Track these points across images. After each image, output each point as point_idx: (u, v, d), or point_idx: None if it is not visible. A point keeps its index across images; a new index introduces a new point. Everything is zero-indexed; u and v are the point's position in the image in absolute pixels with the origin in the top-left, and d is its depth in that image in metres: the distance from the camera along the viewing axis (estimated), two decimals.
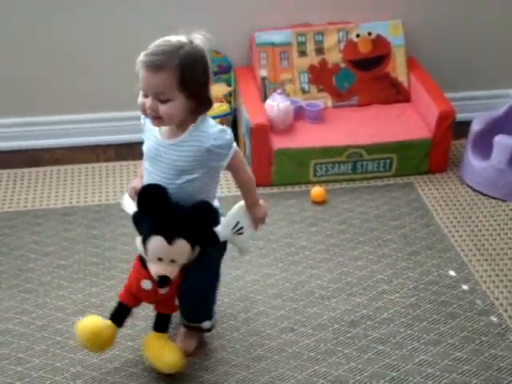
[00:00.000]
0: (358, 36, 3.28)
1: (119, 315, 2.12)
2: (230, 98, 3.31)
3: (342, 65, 3.29)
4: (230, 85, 3.34)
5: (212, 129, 1.91)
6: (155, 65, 1.82)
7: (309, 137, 3.09)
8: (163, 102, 1.84)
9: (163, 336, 2.14)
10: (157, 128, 1.95)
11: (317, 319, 2.37)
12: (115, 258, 2.65)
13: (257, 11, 3.24)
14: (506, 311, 2.40)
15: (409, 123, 3.18)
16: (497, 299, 2.45)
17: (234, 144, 1.95)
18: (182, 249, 1.93)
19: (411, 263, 2.62)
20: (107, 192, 3.05)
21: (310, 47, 3.26)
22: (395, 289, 2.50)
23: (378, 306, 2.43)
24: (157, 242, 1.92)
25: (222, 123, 3.16)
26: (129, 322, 2.17)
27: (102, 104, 3.35)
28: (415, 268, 2.60)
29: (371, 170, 3.10)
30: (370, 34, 3.28)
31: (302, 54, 3.27)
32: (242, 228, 2.02)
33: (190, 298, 2.11)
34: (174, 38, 1.88)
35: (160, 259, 1.94)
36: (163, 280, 1.95)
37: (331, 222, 2.85)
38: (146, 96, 1.86)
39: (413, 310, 2.41)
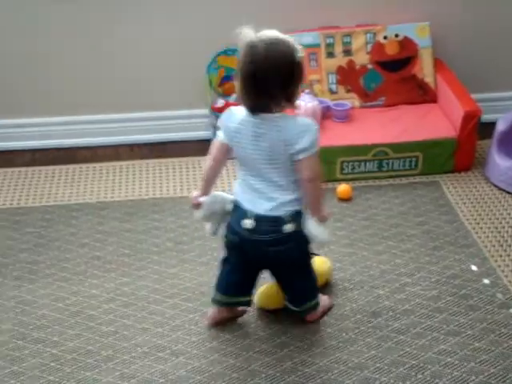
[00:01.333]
0: (385, 38, 3.35)
1: None
2: None
3: (370, 66, 3.36)
4: None
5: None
6: None
7: (336, 136, 3.16)
8: None
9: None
10: None
11: (339, 309, 2.44)
12: (146, 250, 2.75)
13: (286, 13, 3.33)
14: None
15: (435, 123, 3.24)
16: None
17: None
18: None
19: (434, 258, 2.68)
20: (140, 188, 3.16)
21: (338, 49, 3.34)
22: (417, 282, 2.56)
23: (399, 297, 2.49)
24: None
25: None
26: None
27: (128, 104, 3.49)
28: (438, 262, 2.66)
29: (397, 169, 3.16)
30: (397, 35, 3.35)
31: (330, 55, 3.35)
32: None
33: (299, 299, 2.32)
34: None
35: None
36: None
37: (356, 217, 2.92)
38: None
39: (434, 302, 2.47)
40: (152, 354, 2.27)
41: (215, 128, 3.37)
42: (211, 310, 2.39)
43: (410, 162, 3.16)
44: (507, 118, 3.17)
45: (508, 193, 3.06)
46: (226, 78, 3.46)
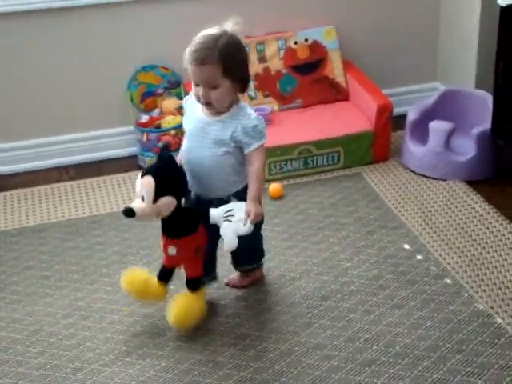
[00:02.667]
0: (295, 43, 3.54)
1: (164, 274, 2.44)
2: (182, 110, 3.51)
3: (284, 71, 3.54)
4: (180, 98, 3.54)
5: (253, 114, 2.28)
6: (199, 60, 2.17)
7: None
8: (213, 88, 2.19)
9: (190, 295, 2.41)
10: (200, 109, 2.30)
11: (290, 298, 2.58)
12: (94, 264, 2.80)
13: (201, 27, 3.44)
14: (457, 273, 2.65)
15: (351, 119, 3.44)
16: (448, 264, 2.71)
17: (265, 140, 2.29)
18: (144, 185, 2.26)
19: (369, 242, 2.86)
20: (76, 208, 3.20)
21: (253, 57, 3.50)
22: (358, 264, 2.73)
23: (343, 280, 2.65)
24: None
25: (176, 134, 3.39)
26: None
27: (60, 127, 3.52)
28: (373, 245, 2.84)
29: (321, 164, 3.34)
30: (306, 40, 3.55)
31: None
32: (231, 216, 2.22)
33: (240, 250, 2.33)
34: (211, 31, 2.24)
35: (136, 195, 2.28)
36: (127, 211, 2.24)
37: (291, 213, 3.07)
38: (197, 85, 2.22)
39: (376, 281, 2.64)
40: (119, 360, 2.33)
41: (140, 143, 3.46)
42: None
43: (333, 157, 3.34)
44: (417, 109, 3.41)
45: (425, 176, 3.29)
46: (147, 94, 3.56)
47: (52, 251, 2.90)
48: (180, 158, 2.39)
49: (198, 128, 2.32)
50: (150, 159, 3.43)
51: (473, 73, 3.53)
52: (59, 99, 3.48)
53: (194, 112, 2.34)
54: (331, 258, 2.77)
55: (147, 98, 3.56)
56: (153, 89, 3.56)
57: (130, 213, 2.22)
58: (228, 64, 2.18)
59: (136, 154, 3.53)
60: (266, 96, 3.53)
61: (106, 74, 3.48)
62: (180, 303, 2.37)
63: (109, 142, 3.58)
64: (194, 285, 2.40)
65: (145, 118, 3.47)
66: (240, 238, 2.24)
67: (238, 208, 2.24)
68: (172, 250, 2.35)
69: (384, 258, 2.76)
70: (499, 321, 2.41)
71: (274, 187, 3.20)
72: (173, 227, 2.32)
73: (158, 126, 3.44)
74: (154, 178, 2.22)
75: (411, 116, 3.39)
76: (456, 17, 3.63)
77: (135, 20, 3.44)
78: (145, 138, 3.42)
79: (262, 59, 3.52)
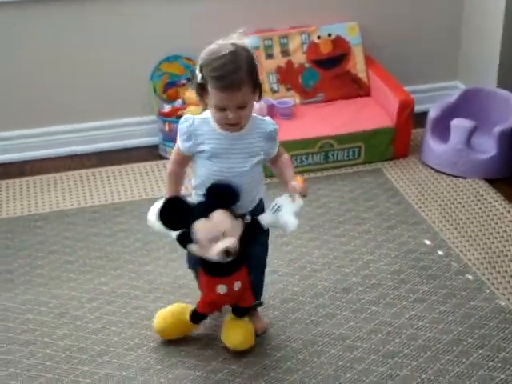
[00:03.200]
0: (319, 38, 3.56)
1: (197, 319, 2.33)
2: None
3: (307, 65, 3.56)
4: None
5: (265, 118, 2.21)
6: (232, 87, 1.99)
7: (282, 132, 3.25)
8: (243, 108, 2.05)
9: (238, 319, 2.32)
10: (214, 127, 2.11)
11: (313, 289, 2.60)
12: (117, 251, 2.83)
13: (225, 19, 3.47)
14: (478, 269, 2.68)
15: (372, 114, 3.46)
16: (469, 260, 2.73)
17: None
18: (223, 220, 2.06)
19: (390, 236, 2.88)
20: (98, 195, 3.22)
21: (276, 50, 3.52)
22: (379, 258, 2.75)
23: (365, 273, 2.67)
24: (199, 223, 2.07)
25: None
26: None
27: (83, 115, 3.55)
28: (394, 240, 2.86)
29: (342, 159, 3.36)
30: (329, 35, 3.57)
31: (270, 56, 3.53)
32: (280, 206, 2.17)
33: (255, 274, 2.29)
34: (225, 49, 2.02)
35: (211, 240, 2.05)
36: (226, 253, 2.03)
37: (312, 206, 3.10)
38: (223, 110, 2.04)
39: (397, 275, 2.66)
40: (144, 345, 2.36)
41: (162, 133, 3.48)
42: None
43: (354, 152, 3.37)
44: (438, 107, 3.43)
45: (444, 174, 3.31)
46: (170, 84, 3.58)
47: (75, 237, 2.92)
48: (192, 187, 2.24)
49: (223, 147, 2.12)
50: (170, 149, 3.45)
51: (495, 72, 3.55)
52: (84, 88, 3.51)
53: (207, 132, 2.13)
54: (352, 251, 2.80)
55: (170, 88, 3.58)
56: (176, 79, 3.58)
57: (229, 255, 2.05)
58: (254, 80, 2.06)
59: (157, 144, 3.55)
60: (288, 89, 3.55)
61: (130, 64, 3.50)
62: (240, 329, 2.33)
63: (131, 131, 3.61)
64: (246, 312, 2.34)
65: (167, 108, 3.49)
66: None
67: (278, 200, 2.18)
68: (223, 288, 2.18)
69: (405, 253, 2.78)
70: None
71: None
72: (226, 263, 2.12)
73: (181, 117, 3.46)
74: (225, 210, 2.08)
75: (433, 113, 3.40)
76: (479, 17, 3.65)
77: (160, 11, 3.46)
78: (167, 127, 3.45)
79: (285, 53, 3.54)
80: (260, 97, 2.14)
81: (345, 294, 2.57)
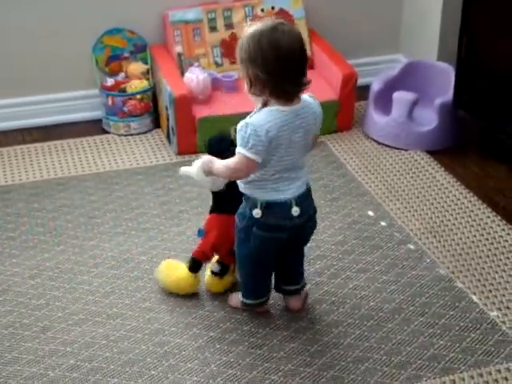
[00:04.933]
0: (262, 10, 3.55)
1: (195, 267, 2.40)
2: (147, 75, 3.50)
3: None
4: (146, 63, 3.53)
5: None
6: None
7: (227, 105, 3.33)
8: None
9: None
10: None
11: None
12: (61, 226, 2.80)
13: None
14: (420, 239, 2.73)
15: (316, 88, 3.39)
16: (411, 230, 2.78)
17: (241, 149, 2.05)
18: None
19: (334, 208, 2.92)
20: (40, 170, 3.17)
21: (220, 23, 3.50)
22: (323, 230, 2.78)
23: (310, 245, 2.65)
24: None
25: (142, 99, 3.39)
26: None
27: (24, 89, 3.48)
28: (338, 212, 2.89)
29: None
30: (273, 8, 3.56)
31: (213, 29, 3.50)
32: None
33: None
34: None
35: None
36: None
37: None
38: None
39: (341, 245, 2.70)
40: (89, 320, 2.35)
41: (106, 107, 3.44)
42: (262, 309, 2.37)
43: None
44: (381, 79, 3.46)
45: (387, 146, 3.36)
46: (112, 58, 3.53)
47: (17, 213, 2.88)
48: None
49: None
50: (114, 123, 3.42)
51: (435, 45, 3.59)
52: (23, 61, 3.42)
53: None
54: None
55: (112, 61, 3.54)
56: (118, 52, 3.53)
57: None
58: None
59: (101, 118, 3.50)
60: (232, 63, 3.53)
61: (71, 37, 3.43)
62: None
63: (73, 105, 3.55)
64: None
65: (110, 82, 3.45)
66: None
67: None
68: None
69: (349, 224, 2.82)
70: (459, 285, 2.49)
71: None
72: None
73: (124, 90, 3.43)
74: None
75: (375, 86, 3.44)
76: None
77: None
78: (110, 101, 3.41)
79: (228, 26, 3.52)
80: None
81: None
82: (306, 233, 2.27)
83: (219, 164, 2.14)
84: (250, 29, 2.02)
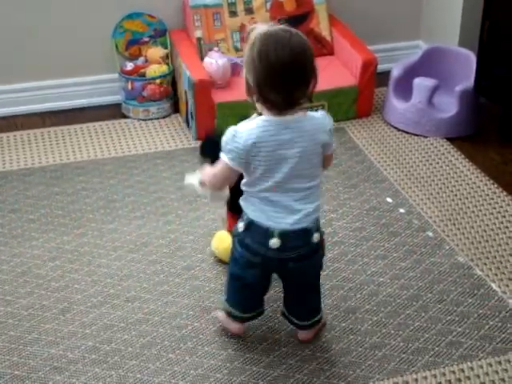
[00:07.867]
0: None
1: None
2: (167, 59, 3.50)
3: (270, 23, 3.52)
4: (166, 47, 3.52)
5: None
6: None
7: None
8: None
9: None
10: None
11: None
12: (80, 209, 2.81)
13: None
14: (439, 227, 2.72)
15: (336, 73, 3.46)
16: (430, 217, 2.77)
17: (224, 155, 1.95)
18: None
19: (352, 195, 2.91)
20: (60, 154, 3.19)
21: (240, 8, 3.49)
22: (341, 216, 2.78)
23: (328, 231, 2.69)
24: None
25: (161, 83, 3.39)
26: None
27: (45, 72, 3.49)
28: (356, 198, 2.89)
29: None
30: None
31: (233, 14, 3.49)
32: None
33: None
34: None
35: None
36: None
37: None
38: None
39: (359, 232, 2.69)
40: (107, 303, 2.36)
41: (125, 91, 3.45)
42: (235, 326, 2.20)
43: (317, 110, 3.35)
44: (401, 66, 3.44)
45: (407, 132, 3.34)
46: (132, 42, 3.53)
47: (37, 195, 2.90)
48: None
49: None
50: (133, 107, 3.43)
51: (457, 31, 3.56)
52: (43, 45, 3.43)
53: None
54: None
55: (132, 45, 3.54)
56: (138, 37, 3.53)
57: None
58: None
59: (120, 102, 3.51)
60: None
61: (92, 21, 3.44)
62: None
63: (93, 89, 3.55)
64: None
65: (130, 66, 3.45)
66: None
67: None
68: None
69: (367, 211, 2.81)
70: (479, 273, 2.48)
71: None
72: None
73: (143, 75, 3.43)
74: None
75: (395, 72, 3.41)
76: None
77: None
78: (129, 86, 3.41)
79: (248, 10, 3.51)
80: None
81: None
82: (299, 271, 2.04)
83: (208, 171, 2.06)
84: (255, 31, 1.94)
